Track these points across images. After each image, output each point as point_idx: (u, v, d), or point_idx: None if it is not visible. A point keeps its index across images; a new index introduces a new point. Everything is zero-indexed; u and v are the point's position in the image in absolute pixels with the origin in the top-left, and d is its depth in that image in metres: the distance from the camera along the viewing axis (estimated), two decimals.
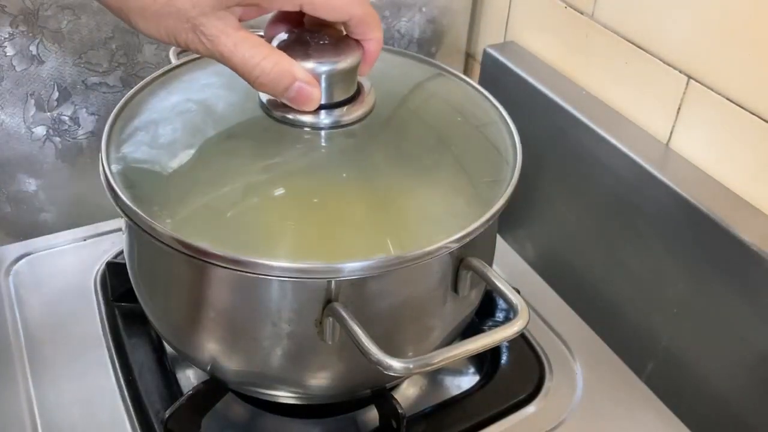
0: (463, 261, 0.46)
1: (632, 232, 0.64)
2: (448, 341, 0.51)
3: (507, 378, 0.58)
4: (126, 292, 0.60)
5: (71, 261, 0.64)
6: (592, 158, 0.67)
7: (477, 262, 0.46)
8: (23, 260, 0.64)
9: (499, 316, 0.63)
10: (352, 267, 0.41)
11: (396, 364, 0.39)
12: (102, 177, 0.45)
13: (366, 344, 0.40)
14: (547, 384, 0.58)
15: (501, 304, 0.63)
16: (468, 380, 0.60)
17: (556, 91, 0.70)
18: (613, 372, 0.60)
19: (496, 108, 0.55)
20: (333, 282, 0.43)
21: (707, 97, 0.58)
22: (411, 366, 0.39)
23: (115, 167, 0.46)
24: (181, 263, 0.45)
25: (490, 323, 0.62)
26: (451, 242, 0.43)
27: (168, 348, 0.58)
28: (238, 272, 0.41)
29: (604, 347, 0.63)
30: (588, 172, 0.68)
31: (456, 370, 0.61)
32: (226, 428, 0.54)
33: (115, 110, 0.51)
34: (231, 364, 0.48)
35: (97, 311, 0.60)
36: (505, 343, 0.60)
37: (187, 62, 0.56)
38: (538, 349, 0.61)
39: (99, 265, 0.64)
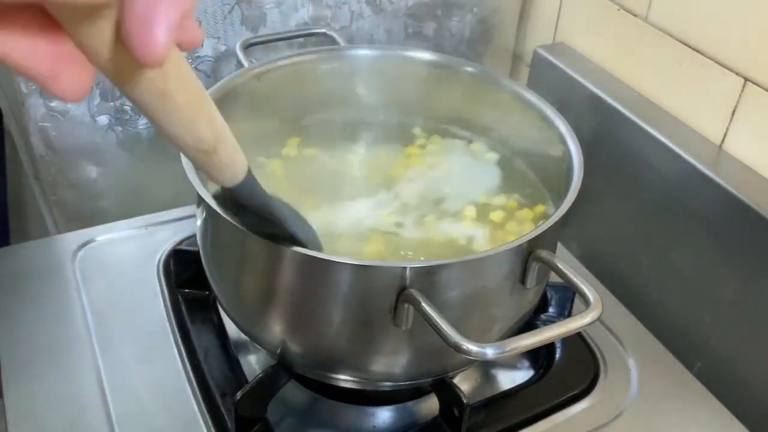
0: (533, 253, 0.47)
1: (683, 231, 0.65)
2: (510, 334, 0.52)
3: (562, 372, 0.59)
4: (189, 279, 0.62)
5: (133, 248, 0.66)
6: (642, 158, 0.68)
7: (547, 254, 0.47)
8: (87, 247, 0.65)
9: (551, 311, 0.63)
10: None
11: (474, 347, 0.40)
12: (185, 166, 0.47)
13: (444, 328, 0.41)
14: (602, 379, 0.59)
15: (553, 300, 0.63)
16: (522, 375, 0.61)
17: (606, 92, 0.71)
18: (667, 368, 0.61)
19: (550, 109, 0.58)
20: (408, 269, 0.44)
21: (765, 100, 0.59)
22: (488, 350, 0.40)
23: None
24: (259, 247, 0.46)
25: (544, 318, 0.62)
26: (525, 235, 0.45)
27: (231, 334, 0.59)
28: (316, 257, 0.43)
29: (656, 343, 0.63)
30: (638, 172, 0.68)
31: (510, 364, 0.61)
32: (288, 413, 0.56)
33: None
34: (301, 347, 0.49)
35: (161, 297, 0.61)
36: (560, 339, 0.61)
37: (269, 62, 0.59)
38: (592, 344, 0.62)
39: (161, 253, 0.65)
